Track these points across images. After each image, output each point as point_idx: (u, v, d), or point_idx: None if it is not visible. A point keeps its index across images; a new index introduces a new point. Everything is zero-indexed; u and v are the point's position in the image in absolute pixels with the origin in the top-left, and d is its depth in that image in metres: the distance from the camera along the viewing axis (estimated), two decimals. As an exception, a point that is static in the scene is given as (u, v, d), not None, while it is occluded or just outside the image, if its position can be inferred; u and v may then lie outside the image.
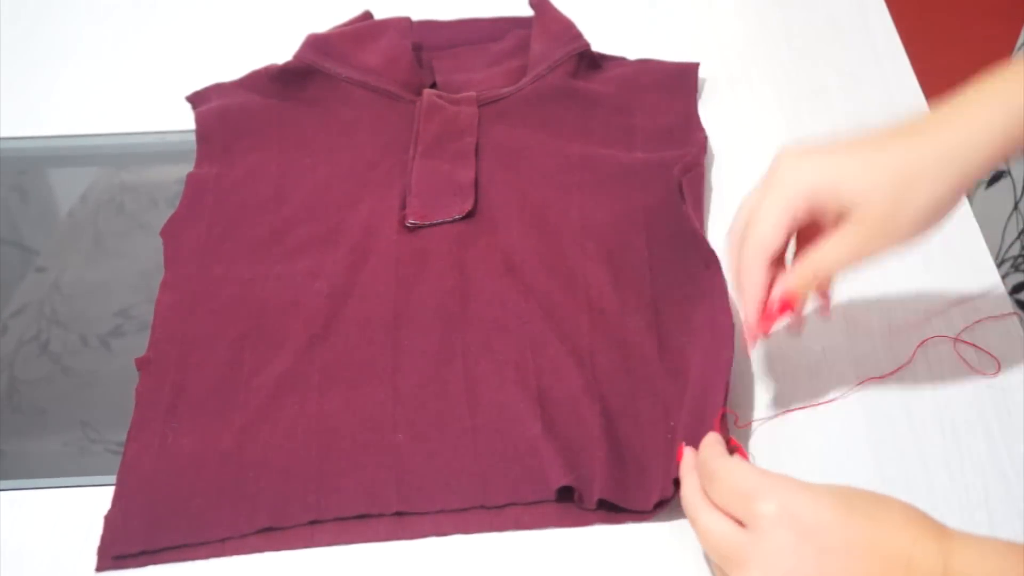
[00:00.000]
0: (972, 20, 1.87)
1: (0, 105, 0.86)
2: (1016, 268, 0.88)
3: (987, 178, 0.97)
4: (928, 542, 0.47)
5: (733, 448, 0.56)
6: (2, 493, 0.61)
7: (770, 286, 0.57)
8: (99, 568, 0.57)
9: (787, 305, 0.57)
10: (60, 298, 0.76)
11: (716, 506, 0.52)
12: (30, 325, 0.74)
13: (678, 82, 0.83)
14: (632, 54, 0.86)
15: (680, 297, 0.68)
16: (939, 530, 0.48)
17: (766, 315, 0.57)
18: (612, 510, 0.58)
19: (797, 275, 0.56)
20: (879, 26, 0.90)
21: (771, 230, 0.55)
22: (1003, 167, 0.93)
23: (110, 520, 0.58)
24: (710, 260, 0.67)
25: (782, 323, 0.58)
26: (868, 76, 0.85)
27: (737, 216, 0.58)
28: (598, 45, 0.84)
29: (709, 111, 0.82)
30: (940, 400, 0.63)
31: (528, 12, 0.86)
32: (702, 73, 0.84)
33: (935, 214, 0.54)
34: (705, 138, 0.78)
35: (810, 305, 0.59)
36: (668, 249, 0.71)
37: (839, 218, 0.55)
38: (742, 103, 0.84)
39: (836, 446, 0.61)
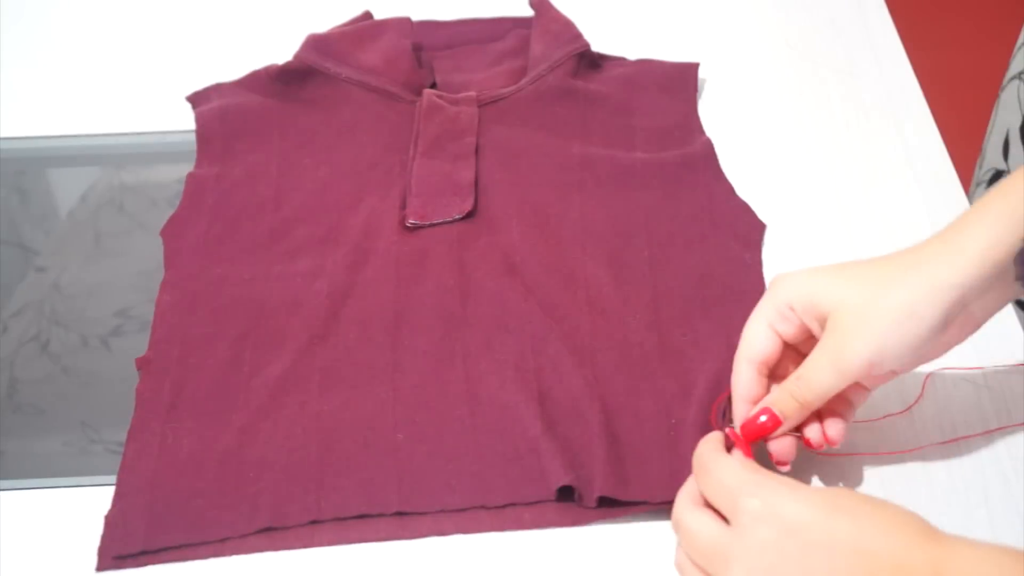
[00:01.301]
0: (972, 20, 1.88)
1: (0, 105, 0.86)
2: (1016, 268, 0.88)
3: (987, 178, 0.97)
4: (918, 548, 0.46)
5: (730, 445, 0.56)
6: (2, 493, 0.61)
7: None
8: (99, 568, 0.57)
9: (765, 426, 0.55)
10: (60, 298, 0.76)
11: (705, 503, 0.52)
12: (30, 325, 0.74)
13: (678, 82, 0.83)
14: (632, 54, 0.86)
15: (680, 296, 0.68)
16: (932, 535, 0.47)
17: (748, 429, 0.56)
18: (612, 508, 0.58)
19: (778, 392, 0.56)
20: (879, 26, 0.90)
21: (753, 336, 0.57)
22: (1003, 167, 0.93)
23: (110, 520, 0.58)
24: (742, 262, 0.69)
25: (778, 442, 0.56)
26: (868, 76, 0.85)
27: None
28: (598, 45, 0.84)
29: (709, 111, 0.82)
30: (940, 400, 0.63)
31: (528, 12, 0.86)
32: (702, 73, 0.84)
33: (910, 326, 0.52)
34: (709, 141, 0.78)
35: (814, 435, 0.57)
36: (668, 248, 0.71)
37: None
38: (742, 103, 0.84)
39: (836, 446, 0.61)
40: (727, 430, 0.56)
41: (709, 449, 0.53)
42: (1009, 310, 0.67)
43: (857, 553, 0.46)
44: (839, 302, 0.53)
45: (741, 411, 0.57)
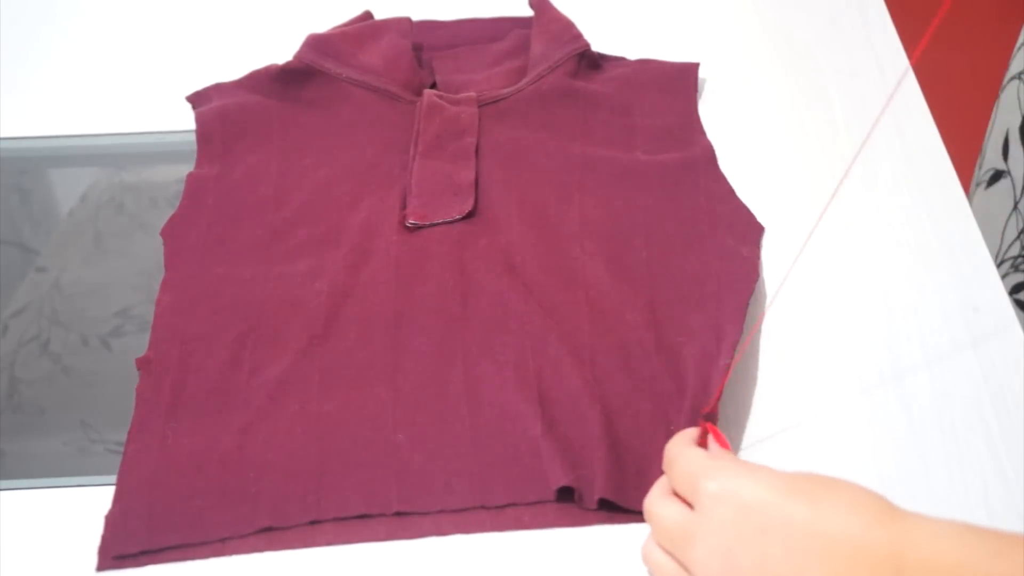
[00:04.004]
0: (972, 20, 1.88)
1: (0, 105, 0.86)
2: (1016, 268, 0.88)
3: (987, 178, 0.97)
4: (878, 527, 0.46)
5: (705, 432, 0.56)
6: (2, 493, 0.61)
7: None
8: (99, 568, 0.57)
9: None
10: (60, 298, 0.76)
11: (674, 494, 0.53)
12: (30, 325, 0.74)
13: (678, 82, 0.83)
14: (632, 54, 0.86)
15: (678, 297, 0.68)
16: (891, 514, 0.47)
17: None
18: (613, 510, 0.58)
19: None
20: (879, 26, 0.90)
21: None
22: (1002, 167, 0.93)
23: (110, 520, 0.58)
24: (728, 255, 0.69)
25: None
26: (868, 76, 0.85)
27: None
28: (598, 45, 0.84)
29: (709, 111, 0.82)
30: (940, 400, 0.63)
31: (528, 12, 0.86)
32: (702, 73, 0.84)
33: None
34: (709, 143, 0.78)
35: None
36: (668, 249, 0.71)
37: None
38: (742, 103, 0.84)
39: (836, 445, 0.61)
40: (706, 424, 0.57)
41: (678, 443, 0.54)
42: (1009, 310, 0.67)
43: (814, 535, 0.47)
44: None
45: None
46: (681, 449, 0.54)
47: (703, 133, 0.79)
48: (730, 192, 0.74)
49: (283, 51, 0.83)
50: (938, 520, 0.46)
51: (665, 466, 0.54)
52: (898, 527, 0.46)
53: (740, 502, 0.49)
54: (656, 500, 0.53)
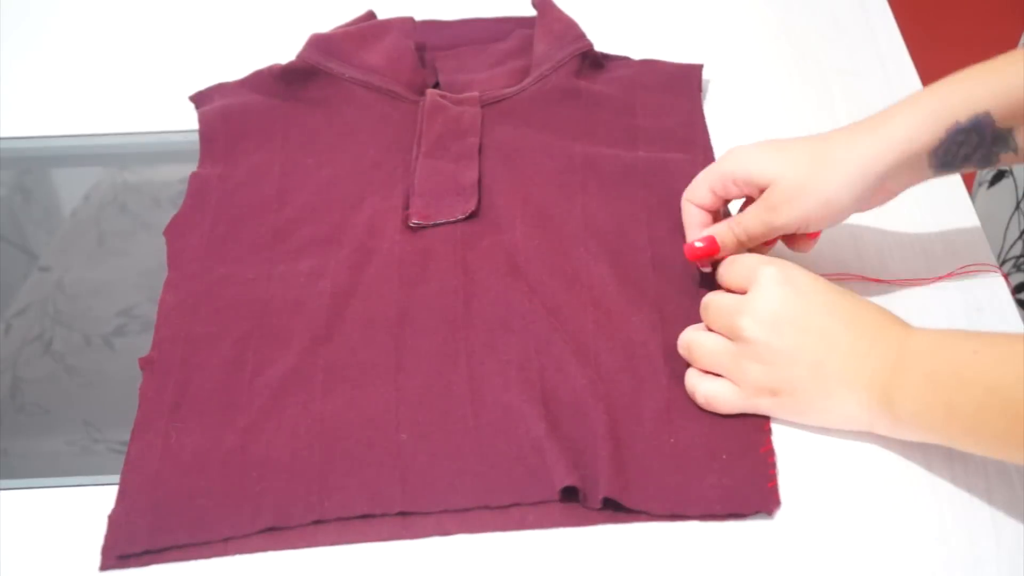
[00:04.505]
0: (975, 19, 1.87)
1: (3, 105, 0.86)
2: (1018, 268, 0.88)
3: (989, 178, 0.97)
4: (896, 323, 0.58)
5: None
6: (5, 492, 0.61)
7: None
8: (103, 567, 0.57)
9: (705, 250, 0.66)
10: (63, 298, 0.76)
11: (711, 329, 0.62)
12: (33, 325, 0.74)
13: (681, 82, 0.83)
14: (636, 54, 0.86)
15: (683, 296, 0.68)
16: (908, 326, 0.58)
17: (690, 250, 0.67)
18: (617, 510, 0.58)
19: (721, 225, 0.66)
20: (882, 26, 0.90)
21: (695, 191, 0.68)
22: (1004, 167, 0.93)
23: (114, 519, 0.58)
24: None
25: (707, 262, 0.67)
26: (871, 76, 0.85)
27: None
28: (601, 45, 0.84)
29: (713, 112, 0.82)
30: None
31: (531, 12, 0.86)
32: (705, 74, 0.84)
33: (832, 205, 0.62)
34: (709, 143, 0.78)
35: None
36: (671, 248, 0.71)
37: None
38: (746, 104, 0.84)
39: (840, 445, 0.61)
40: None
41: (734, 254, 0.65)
42: (1011, 310, 0.67)
43: (851, 318, 0.58)
44: (776, 178, 0.63)
45: (693, 236, 0.68)
46: (738, 255, 0.64)
47: (707, 133, 0.79)
48: None
49: (286, 51, 0.83)
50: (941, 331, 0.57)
51: (722, 267, 0.63)
52: (910, 330, 0.58)
53: (794, 284, 0.59)
54: (694, 329, 0.63)
